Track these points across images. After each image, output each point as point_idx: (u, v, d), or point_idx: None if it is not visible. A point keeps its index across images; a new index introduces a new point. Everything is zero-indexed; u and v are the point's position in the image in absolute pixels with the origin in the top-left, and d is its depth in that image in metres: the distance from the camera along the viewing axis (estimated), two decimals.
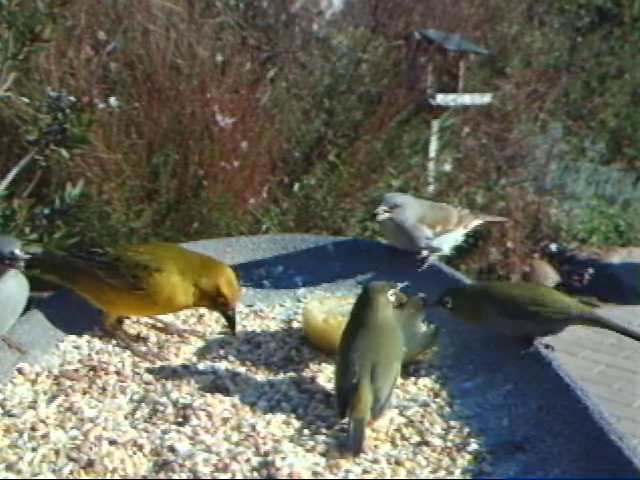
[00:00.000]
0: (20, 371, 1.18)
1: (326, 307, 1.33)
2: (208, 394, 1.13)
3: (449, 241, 1.55)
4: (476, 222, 1.63)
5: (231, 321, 1.26)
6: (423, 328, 1.30)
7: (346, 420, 1.05)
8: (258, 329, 1.36)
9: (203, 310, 1.41)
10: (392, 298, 1.21)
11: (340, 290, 1.49)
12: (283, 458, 0.98)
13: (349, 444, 1.02)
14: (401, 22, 3.84)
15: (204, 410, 1.08)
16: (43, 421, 1.06)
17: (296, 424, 1.08)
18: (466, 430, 1.07)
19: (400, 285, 1.25)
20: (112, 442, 1.01)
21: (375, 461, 1.00)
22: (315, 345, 1.29)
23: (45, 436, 1.03)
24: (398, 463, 1.00)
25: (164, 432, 1.04)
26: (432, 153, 3.75)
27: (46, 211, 1.52)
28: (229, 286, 1.25)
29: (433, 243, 1.51)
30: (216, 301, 1.26)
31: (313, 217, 2.93)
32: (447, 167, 3.71)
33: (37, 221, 1.51)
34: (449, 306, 1.27)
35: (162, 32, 2.74)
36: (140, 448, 1.00)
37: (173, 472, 0.96)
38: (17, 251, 1.14)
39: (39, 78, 2.42)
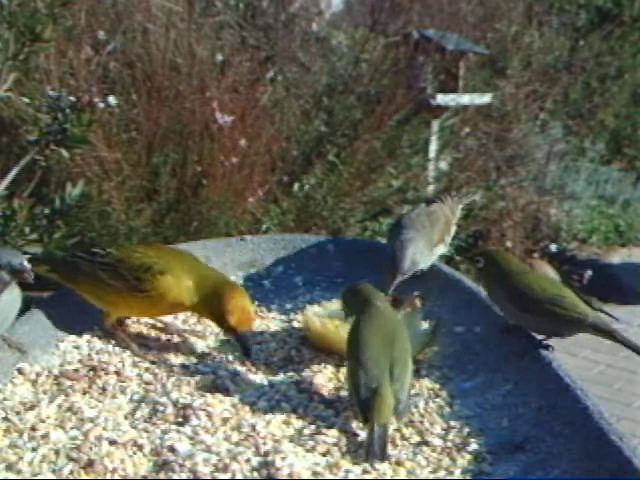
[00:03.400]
0: (20, 371, 1.18)
1: (326, 312, 1.33)
2: (208, 394, 1.14)
3: (451, 236, 1.55)
4: (460, 207, 1.62)
5: (242, 346, 1.22)
6: (422, 326, 1.30)
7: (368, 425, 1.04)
8: (258, 329, 1.36)
9: None
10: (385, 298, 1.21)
11: (340, 290, 1.48)
12: (283, 458, 0.98)
13: (374, 451, 1.00)
14: (399, 21, 3.84)
15: (204, 410, 1.08)
16: (43, 421, 1.06)
17: (296, 424, 1.08)
18: (466, 430, 1.07)
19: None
20: (112, 442, 1.01)
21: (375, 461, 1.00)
22: (316, 347, 1.29)
23: (45, 436, 1.03)
24: (398, 463, 1.00)
25: (164, 432, 1.04)
26: (432, 153, 3.75)
27: (46, 211, 1.52)
28: (236, 313, 1.21)
29: (445, 249, 1.51)
30: (222, 324, 1.23)
31: (313, 217, 2.93)
32: (443, 165, 3.70)
33: (37, 221, 1.51)
34: (479, 265, 1.29)
35: (162, 32, 2.73)
36: (140, 448, 1.00)
37: (173, 472, 0.96)
38: (26, 263, 1.14)
39: (39, 78, 2.42)
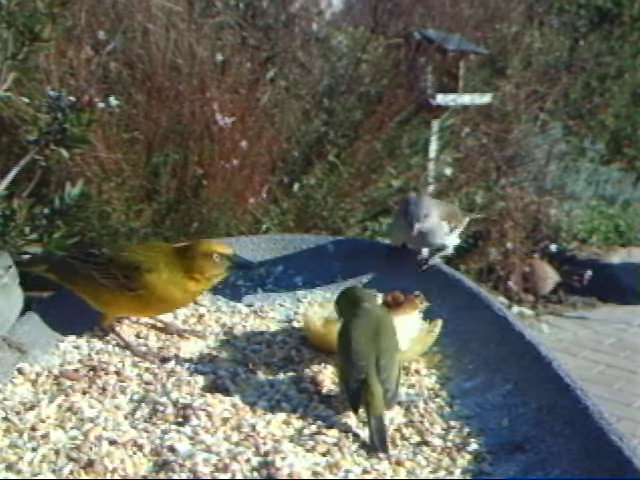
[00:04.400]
0: (20, 371, 1.18)
1: (326, 312, 1.33)
2: (208, 394, 1.13)
3: (455, 238, 1.55)
4: (467, 219, 1.63)
5: (243, 264, 1.29)
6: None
7: (361, 417, 1.06)
8: (258, 329, 1.36)
9: (203, 310, 1.41)
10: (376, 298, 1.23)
11: (340, 290, 1.49)
12: (283, 458, 0.98)
13: (374, 443, 1.02)
14: (401, 23, 3.84)
15: (204, 410, 1.08)
16: (43, 421, 1.06)
17: (296, 424, 1.08)
18: (466, 430, 1.07)
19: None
20: (112, 442, 1.01)
21: (375, 461, 1.00)
22: (316, 347, 1.29)
23: (45, 436, 1.03)
24: (398, 463, 1.00)
25: (164, 432, 1.04)
26: (432, 153, 3.75)
27: (46, 211, 1.52)
28: (215, 245, 1.27)
29: (447, 240, 1.51)
30: (215, 264, 1.25)
31: (313, 217, 2.93)
32: (447, 171, 3.71)
33: (37, 221, 1.50)
34: None
35: (162, 32, 2.74)
36: (140, 448, 1.00)
37: (173, 472, 0.96)
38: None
39: (39, 78, 2.42)
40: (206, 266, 1.26)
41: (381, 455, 1.01)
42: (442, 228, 1.48)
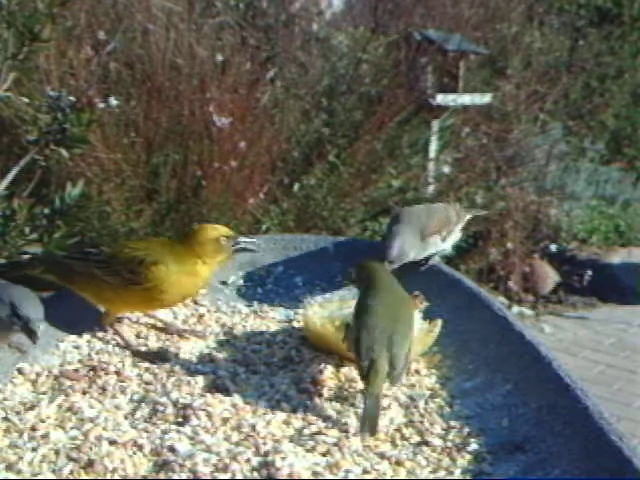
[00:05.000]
0: (20, 371, 1.18)
1: (326, 312, 1.32)
2: (208, 394, 1.13)
3: (453, 239, 1.55)
4: (468, 216, 1.63)
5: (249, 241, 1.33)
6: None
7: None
8: (258, 329, 1.36)
9: (203, 310, 1.41)
10: None
11: (340, 290, 1.49)
12: (283, 458, 0.98)
13: (363, 424, 1.03)
14: (401, 23, 3.85)
15: (204, 410, 1.08)
16: (43, 421, 1.06)
17: (296, 424, 1.08)
18: (466, 430, 1.07)
19: None
20: (112, 442, 1.01)
21: (375, 461, 1.00)
22: (316, 347, 1.29)
23: (45, 436, 1.03)
24: (398, 463, 1.00)
25: (164, 432, 1.04)
26: (432, 153, 3.75)
27: (46, 211, 1.52)
28: (221, 229, 1.30)
29: (442, 247, 1.51)
30: (223, 247, 1.29)
31: (313, 217, 2.93)
32: (446, 169, 3.71)
33: (37, 221, 1.51)
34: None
35: (162, 32, 2.74)
36: (140, 448, 1.00)
37: (173, 472, 0.96)
38: (37, 329, 1.11)
39: (39, 78, 2.42)
40: (217, 250, 1.29)
41: (366, 436, 1.02)
42: (430, 244, 1.47)
